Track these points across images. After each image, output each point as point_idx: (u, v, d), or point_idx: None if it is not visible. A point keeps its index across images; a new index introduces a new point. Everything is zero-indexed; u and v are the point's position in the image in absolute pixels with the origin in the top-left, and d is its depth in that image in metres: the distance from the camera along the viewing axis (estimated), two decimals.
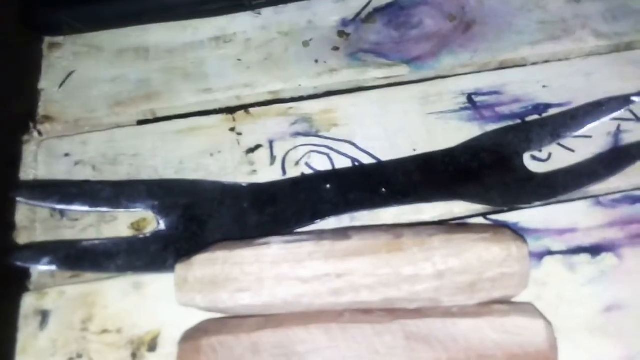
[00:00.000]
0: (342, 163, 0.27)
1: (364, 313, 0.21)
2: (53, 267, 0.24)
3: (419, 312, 0.21)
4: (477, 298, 0.21)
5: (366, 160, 0.27)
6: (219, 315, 0.22)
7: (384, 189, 0.26)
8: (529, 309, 0.22)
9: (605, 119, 0.28)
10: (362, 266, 0.21)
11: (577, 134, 0.27)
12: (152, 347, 0.23)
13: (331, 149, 0.27)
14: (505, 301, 0.22)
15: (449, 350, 0.20)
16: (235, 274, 0.21)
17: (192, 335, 0.21)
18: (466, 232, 0.22)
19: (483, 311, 0.21)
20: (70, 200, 0.25)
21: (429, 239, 0.21)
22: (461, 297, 0.21)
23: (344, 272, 0.21)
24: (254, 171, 0.27)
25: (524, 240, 0.22)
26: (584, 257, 0.24)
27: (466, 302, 0.22)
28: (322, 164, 0.27)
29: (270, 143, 0.28)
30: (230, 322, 0.21)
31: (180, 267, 0.21)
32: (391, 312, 0.21)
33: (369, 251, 0.21)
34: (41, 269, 0.24)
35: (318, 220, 0.25)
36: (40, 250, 0.24)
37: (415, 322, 0.21)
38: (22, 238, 0.25)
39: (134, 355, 0.23)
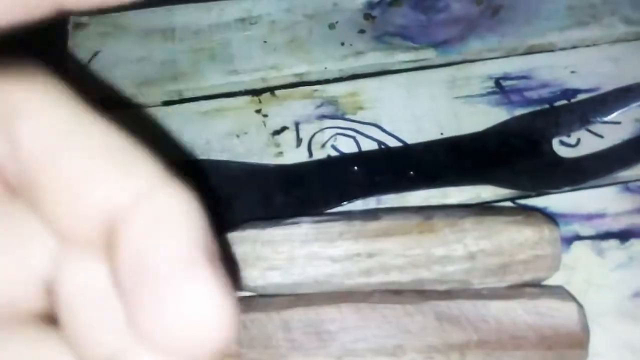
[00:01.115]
0: (369, 146, 0.27)
1: (394, 294, 0.21)
2: None
3: (449, 294, 0.21)
4: (508, 280, 0.21)
5: (392, 143, 0.27)
6: (248, 294, 0.22)
7: (411, 172, 0.26)
8: (560, 292, 0.22)
9: (634, 105, 0.27)
10: (392, 246, 0.21)
11: (605, 119, 0.27)
12: None
13: (357, 131, 0.27)
14: (535, 284, 0.22)
15: (479, 331, 0.20)
16: (266, 252, 0.21)
17: None
18: (497, 214, 0.22)
19: (514, 293, 0.21)
20: None
21: (461, 220, 0.21)
22: (492, 279, 0.21)
23: (374, 252, 0.21)
24: (280, 153, 0.27)
25: (556, 223, 0.22)
26: (613, 243, 0.24)
27: (497, 284, 0.21)
28: (348, 147, 0.27)
29: (296, 125, 0.28)
30: (259, 300, 0.21)
31: None
32: (421, 293, 0.21)
33: (400, 232, 0.21)
34: None
35: (345, 202, 0.25)
36: None
37: (446, 303, 0.21)
38: None
39: None
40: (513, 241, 0.21)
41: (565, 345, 0.21)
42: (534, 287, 0.22)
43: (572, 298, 0.21)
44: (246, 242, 0.21)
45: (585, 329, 0.21)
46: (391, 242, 0.21)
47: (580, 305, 0.21)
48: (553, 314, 0.21)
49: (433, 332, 0.20)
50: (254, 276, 0.21)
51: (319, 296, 0.21)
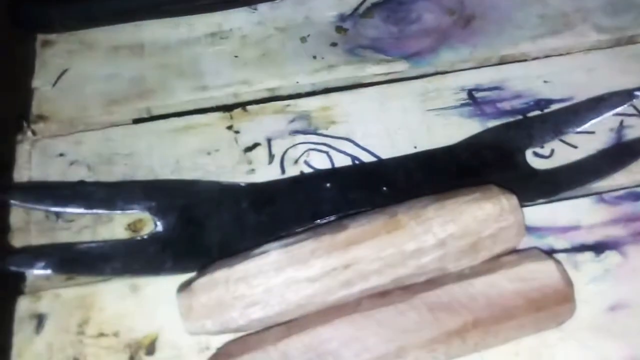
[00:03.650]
0: (342, 161, 0.27)
1: (382, 296, 0.21)
2: (48, 271, 0.23)
3: (434, 282, 0.21)
4: (480, 257, 0.22)
5: (366, 157, 0.27)
6: (232, 336, 0.22)
7: (384, 188, 0.25)
8: (535, 254, 0.22)
9: (608, 114, 0.27)
10: (366, 252, 0.21)
11: (579, 129, 0.27)
12: (150, 350, 0.22)
13: (330, 146, 0.27)
14: (509, 253, 0.22)
15: (472, 311, 0.21)
16: (241, 290, 0.20)
17: None
18: (456, 196, 0.22)
19: (494, 266, 0.22)
20: (64, 203, 0.24)
21: (424, 210, 0.22)
22: (466, 260, 0.22)
23: (350, 262, 0.21)
24: (253, 170, 0.27)
25: (512, 192, 0.22)
26: (588, 255, 0.24)
27: (471, 263, 0.22)
28: (321, 162, 0.27)
29: (269, 141, 0.27)
30: (252, 339, 0.21)
31: (182, 297, 0.21)
32: (407, 289, 0.21)
33: (369, 236, 0.21)
34: (36, 273, 0.23)
35: (318, 221, 0.25)
36: (34, 254, 0.24)
37: (434, 292, 0.21)
38: (17, 240, 0.25)
39: (132, 358, 0.22)
40: (477, 218, 0.21)
41: (553, 302, 0.21)
42: (511, 255, 0.22)
43: (548, 256, 0.22)
44: (218, 285, 0.21)
45: (568, 282, 0.22)
46: (363, 248, 0.21)
47: (557, 261, 0.22)
48: (535, 276, 0.21)
49: (429, 324, 0.20)
50: (235, 317, 0.21)
51: (310, 318, 0.21)
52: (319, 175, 0.26)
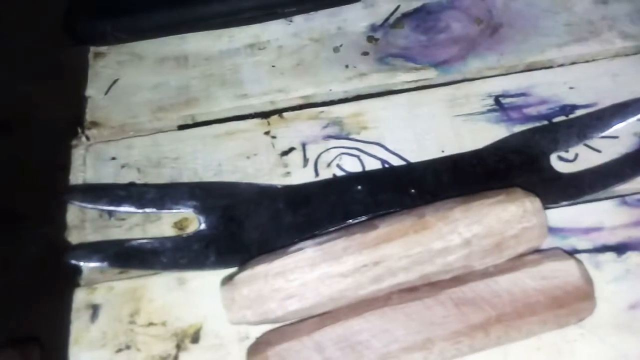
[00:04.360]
0: (372, 164, 0.28)
1: (410, 291, 0.23)
2: (104, 265, 0.25)
3: (459, 279, 0.23)
4: (505, 256, 0.23)
5: (395, 161, 0.28)
6: (270, 326, 0.23)
7: (413, 190, 0.27)
8: (557, 253, 0.23)
9: (632, 120, 0.28)
10: (395, 250, 0.22)
11: (603, 134, 0.28)
12: (195, 339, 0.24)
13: (361, 150, 0.29)
14: (532, 252, 0.23)
15: (496, 307, 0.22)
16: (279, 283, 0.22)
17: (257, 349, 0.22)
18: (481, 198, 0.23)
19: (517, 264, 0.23)
20: (118, 203, 0.26)
21: (450, 212, 0.23)
22: (490, 259, 0.23)
23: (380, 259, 0.22)
24: (288, 173, 0.28)
25: (535, 195, 0.23)
26: (610, 256, 0.25)
27: (495, 262, 0.23)
28: (352, 166, 0.28)
29: (303, 146, 0.29)
30: (288, 329, 0.23)
31: (225, 289, 0.23)
32: (434, 285, 0.23)
33: (398, 235, 0.23)
34: (93, 266, 0.26)
35: (350, 221, 0.26)
36: (91, 249, 0.26)
37: (460, 289, 0.22)
38: (73, 237, 0.27)
39: (178, 346, 0.24)
40: (501, 220, 0.23)
41: (574, 300, 0.22)
42: (533, 255, 0.23)
43: (570, 256, 0.23)
44: (258, 279, 0.22)
45: (589, 281, 0.22)
46: (392, 246, 0.22)
47: (579, 260, 0.23)
48: (556, 274, 0.22)
49: (454, 318, 0.22)
50: (273, 308, 0.22)
51: (343, 310, 0.22)
52: (351, 178, 0.27)
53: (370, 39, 0.32)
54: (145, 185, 0.28)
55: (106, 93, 0.31)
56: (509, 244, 0.23)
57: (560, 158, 0.28)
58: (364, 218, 0.26)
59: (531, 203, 0.23)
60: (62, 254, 0.26)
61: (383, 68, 0.31)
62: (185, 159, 0.29)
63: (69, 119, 0.31)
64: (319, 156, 0.28)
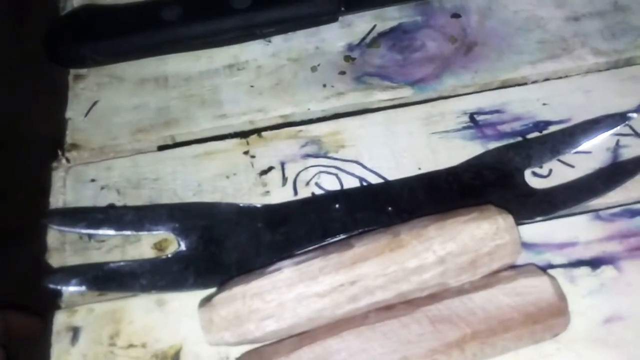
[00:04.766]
0: (350, 182, 0.28)
1: (387, 310, 0.23)
2: (83, 288, 0.25)
3: (435, 297, 0.23)
4: (479, 273, 0.23)
5: (373, 179, 0.28)
6: (249, 347, 0.23)
7: (390, 208, 0.27)
8: (531, 269, 0.24)
9: (603, 136, 0.29)
10: (371, 269, 0.23)
11: (576, 150, 0.28)
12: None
13: (339, 169, 0.29)
14: (507, 268, 0.24)
15: (471, 324, 0.22)
16: (257, 304, 0.22)
17: None
18: (455, 216, 0.24)
19: (492, 281, 0.23)
20: (97, 225, 0.27)
21: (425, 230, 0.23)
22: (465, 276, 0.23)
23: (356, 279, 0.23)
24: (267, 192, 0.28)
25: (508, 211, 0.24)
26: (584, 270, 0.25)
27: (470, 279, 0.23)
28: (331, 184, 0.28)
29: (282, 165, 0.29)
30: (267, 349, 0.23)
31: (203, 311, 0.23)
32: (411, 303, 0.23)
33: (374, 254, 0.23)
34: (72, 290, 0.26)
35: (329, 239, 0.26)
36: (70, 273, 0.26)
37: (436, 306, 0.23)
38: (53, 259, 0.27)
39: None
40: (474, 237, 0.23)
41: (548, 316, 0.23)
42: (507, 271, 0.24)
43: (544, 272, 0.23)
44: (236, 300, 0.22)
45: (562, 297, 0.23)
46: (368, 265, 0.23)
47: (552, 277, 0.23)
48: (530, 291, 0.23)
49: (430, 336, 0.22)
50: (251, 329, 0.22)
51: (320, 331, 0.23)
52: (329, 197, 0.28)
53: (347, 58, 0.32)
54: (124, 207, 0.28)
55: (86, 115, 0.31)
56: (483, 261, 0.23)
57: (535, 174, 0.28)
58: (342, 236, 0.27)
59: (504, 220, 0.23)
60: (41, 278, 0.26)
61: (360, 87, 0.31)
62: (164, 179, 0.29)
63: (49, 142, 0.31)
64: (297, 175, 0.29)
